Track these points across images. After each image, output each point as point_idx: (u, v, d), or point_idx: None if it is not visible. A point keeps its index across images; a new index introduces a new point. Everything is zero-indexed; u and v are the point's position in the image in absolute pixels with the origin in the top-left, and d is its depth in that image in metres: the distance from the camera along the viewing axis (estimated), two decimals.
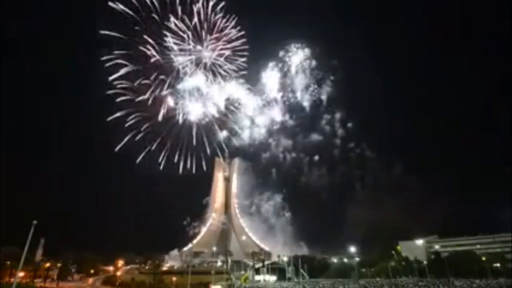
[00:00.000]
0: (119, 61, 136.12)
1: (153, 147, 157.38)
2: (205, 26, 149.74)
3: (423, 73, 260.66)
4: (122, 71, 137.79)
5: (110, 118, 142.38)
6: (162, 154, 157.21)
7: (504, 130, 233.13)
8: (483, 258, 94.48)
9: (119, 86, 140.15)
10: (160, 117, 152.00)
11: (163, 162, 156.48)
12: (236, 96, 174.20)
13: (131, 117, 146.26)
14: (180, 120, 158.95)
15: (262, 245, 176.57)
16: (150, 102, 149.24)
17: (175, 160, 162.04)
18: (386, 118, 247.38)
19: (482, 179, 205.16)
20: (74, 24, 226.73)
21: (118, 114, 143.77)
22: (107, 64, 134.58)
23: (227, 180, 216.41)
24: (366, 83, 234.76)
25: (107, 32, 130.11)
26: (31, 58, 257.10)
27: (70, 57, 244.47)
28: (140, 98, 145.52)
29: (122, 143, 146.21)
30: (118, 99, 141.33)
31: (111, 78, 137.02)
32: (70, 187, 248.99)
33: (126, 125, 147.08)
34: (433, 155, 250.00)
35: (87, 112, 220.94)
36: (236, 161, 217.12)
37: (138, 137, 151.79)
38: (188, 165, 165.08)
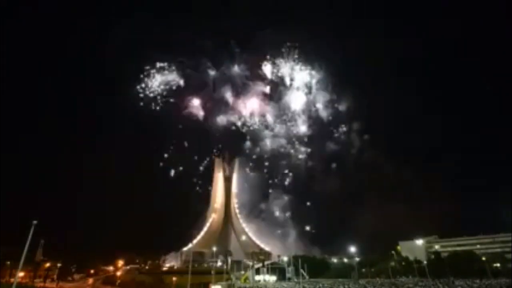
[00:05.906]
0: None
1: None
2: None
3: (424, 73, 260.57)
4: None
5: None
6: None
7: (504, 130, 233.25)
8: (483, 258, 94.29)
9: None
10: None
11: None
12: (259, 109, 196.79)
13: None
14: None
15: (262, 245, 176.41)
16: None
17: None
18: (386, 120, 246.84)
19: (482, 179, 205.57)
20: None
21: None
22: None
23: (227, 180, 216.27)
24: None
25: None
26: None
27: None
28: None
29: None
30: None
31: None
32: (70, 187, 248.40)
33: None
34: (433, 155, 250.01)
35: (88, 111, 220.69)
36: (236, 161, 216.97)
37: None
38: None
